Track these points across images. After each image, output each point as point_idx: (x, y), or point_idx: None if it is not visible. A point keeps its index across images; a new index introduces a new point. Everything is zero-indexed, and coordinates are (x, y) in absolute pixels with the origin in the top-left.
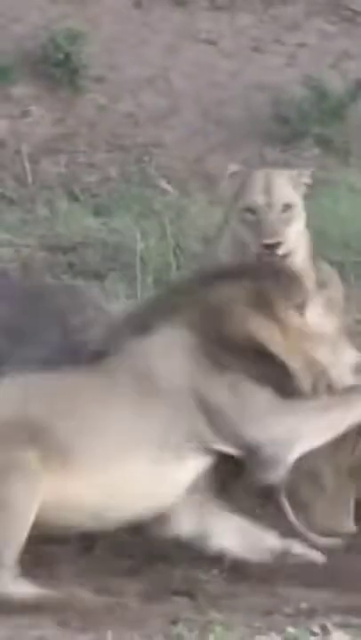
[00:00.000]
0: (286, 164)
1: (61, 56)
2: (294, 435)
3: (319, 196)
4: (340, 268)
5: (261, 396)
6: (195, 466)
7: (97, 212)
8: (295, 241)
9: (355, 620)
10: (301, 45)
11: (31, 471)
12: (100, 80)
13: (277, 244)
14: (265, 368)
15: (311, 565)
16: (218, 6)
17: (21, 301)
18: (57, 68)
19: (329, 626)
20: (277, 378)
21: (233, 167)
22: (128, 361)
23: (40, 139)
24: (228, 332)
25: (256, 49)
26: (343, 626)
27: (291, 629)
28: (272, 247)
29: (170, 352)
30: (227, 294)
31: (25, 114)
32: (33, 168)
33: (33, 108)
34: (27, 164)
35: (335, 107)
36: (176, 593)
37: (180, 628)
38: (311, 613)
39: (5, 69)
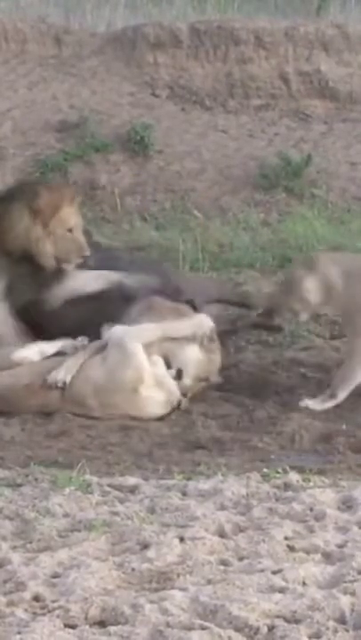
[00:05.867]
0: (266, 203)
1: (138, 138)
2: None
3: (285, 222)
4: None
5: None
6: None
7: (157, 228)
8: None
9: (300, 465)
10: (276, 134)
11: None
12: (160, 152)
13: None
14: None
15: (275, 429)
16: (228, 110)
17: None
18: (136, 144)
19: (287, 469)
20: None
21: None
22: None
23: (125, 185)
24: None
25: (250, 136)
26: (295, 468)
27: (265, 470)
28: None
29: None
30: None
31: (117, 170)
32: (121, 202)
33: (121, 167)
34: (117, 200)
35: (295, 170)
36: (198, 447)
37: (201, 468)
38: (277, 461)
39: (107, 145)
